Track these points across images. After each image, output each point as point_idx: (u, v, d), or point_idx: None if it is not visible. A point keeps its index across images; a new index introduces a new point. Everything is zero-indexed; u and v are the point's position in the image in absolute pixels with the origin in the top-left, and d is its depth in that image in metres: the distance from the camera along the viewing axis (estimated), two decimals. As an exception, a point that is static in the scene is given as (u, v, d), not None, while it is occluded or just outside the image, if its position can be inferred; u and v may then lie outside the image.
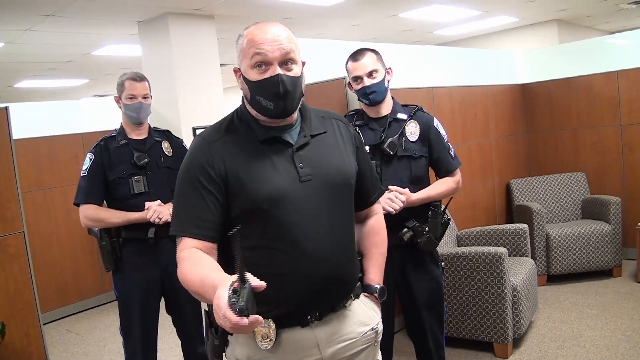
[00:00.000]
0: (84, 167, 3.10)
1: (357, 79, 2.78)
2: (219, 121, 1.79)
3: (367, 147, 2.74)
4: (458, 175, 2.92)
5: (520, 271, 3.98)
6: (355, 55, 2.80)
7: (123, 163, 3.10)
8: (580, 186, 5.63)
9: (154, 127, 3.33)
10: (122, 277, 3.14)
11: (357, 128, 2.82)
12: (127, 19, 6.32)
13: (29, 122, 5.67)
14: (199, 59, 6.25)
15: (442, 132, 2.89)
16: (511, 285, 3.73)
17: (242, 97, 1.78)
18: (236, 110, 1.80)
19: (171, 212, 1.72)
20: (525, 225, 4.38)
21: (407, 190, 2.70)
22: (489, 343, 3.80)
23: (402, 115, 2.84)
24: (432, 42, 10.23)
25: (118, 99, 3.17)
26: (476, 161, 5.37)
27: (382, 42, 5.18)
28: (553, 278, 5.12)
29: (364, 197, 1.96)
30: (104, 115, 5.99)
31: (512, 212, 5.65)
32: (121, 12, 6.00)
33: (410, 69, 4.72)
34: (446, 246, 4.34)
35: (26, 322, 2.79)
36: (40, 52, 7.70)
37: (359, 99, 2.83)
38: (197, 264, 1.56)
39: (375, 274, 1.95)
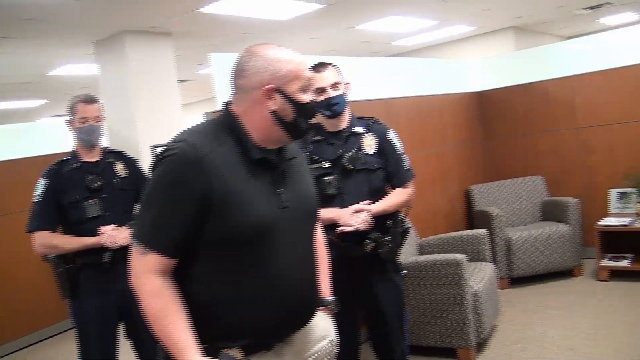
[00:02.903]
0: (37, 193, 3.04)
1: (321, 90, 2.76)
2: (205, 127, 1.70)
3: (326, 163, 2.78)
4: (411, 187, 2.95)
5: (480, 276, 4.02)
6: (318, 67, 2.80)
7: (76, 187, 3.05)
8: (539, 189, 5.72)
9: (107, 148, 3.30)
10: (79, 304, 3.08)
11: (315, 143, 2.83)
12: (83, 39, 6.26)
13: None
14: (156, 77, 6.21)
15: (397, 144, 2.92)
16: (472, 291, 3.77)
17: (229, 109, 1.73)
18: (222, 122, 1.72)
19: (132, 231, 1.65)
20: (484, 231, 4.43)
21: (366, 205, 2.72)
22: (453, 349, 3.82)
23: (359, 129, 2.86)
24: (390, 53, 10.34)
25: (70, 122, 3.13)
26: (435, 169, 5.43)
27: (341, 55, 5.23)
28: (516, 281, 5.18)
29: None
30: (64, 136, 5.86)
31: (473, 217, 5.71)
32: (76, 32, 5.95)
33: (366, 81, 4.76)
34: (408, 255, 4.36)
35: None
36: (-4, 74, 7.60)
37: (319, 111, 2.79)
38: (169, 315, 1.56)
39: (326, 287, 1.99)
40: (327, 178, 2.75)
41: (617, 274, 5.03)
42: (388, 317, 2.85)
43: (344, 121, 2.87)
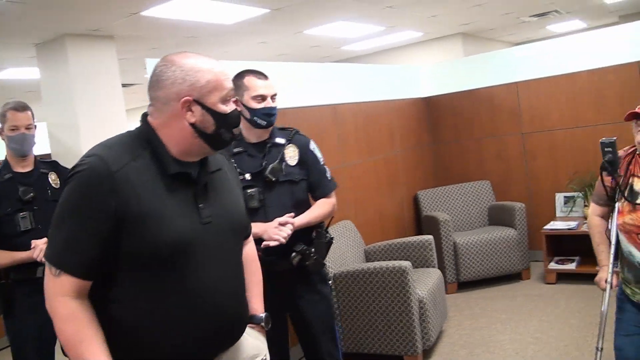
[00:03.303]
0: None
1: (263, 97, 2.69)
2: (118, 141, 1.61)
3: (247, 175, 2.72)
4: (333, 198, 2.91)
5: (426, 282, 4.00)
6: (261, 74, 2.74)
7: (8, 198, 2.94)
8: (486, 194, 5.76)
9: (40, 158, 3.18)
10: (13, 320, 2.97)
11: (236, 155, 2.74)
12: (24, 42, 6.05)
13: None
14: (99, 81, 6.03)
15: (319, 154, 2.89)
16: (417, 297, 3.74)
17: (146, 120, 1.65)
18: (138, 134, 1.64)
19: (44, 252, 1.55)
20: (430, 237, 4.42)
21: (291, 217, 2.67)
22: (399, 357, 3.79)
23: (280, 140, 2.81)
24: (340, 58, 10.32)
25: (0, 131, 3.01)
26: (383, 175, 5.41)
27: (291, 59, 5.14)
28: (463, 285, 5.20)
29: (245, 232, 1.94)
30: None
31: (421, 222, 5.70)
32: (16, 35, 5.74)
33: (313, 87, 4.72)
34: (353, 262, 4.32)
35: None
36: None
37: (250, 119, 2.69)
38: (85, 340, 1.48)
39: (258, 303, 1.93)
40: (250, 191, 2.68)
41: (564, 277, 5.09)
42: (317, 328, 2.81)
43: (268, 132, 2.80)
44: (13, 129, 2.97)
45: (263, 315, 1.90)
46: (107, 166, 1.50)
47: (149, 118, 1.65)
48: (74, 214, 1.50)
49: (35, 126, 3.08)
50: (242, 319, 1.76)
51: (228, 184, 1.78)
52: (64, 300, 1.49)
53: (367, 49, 9.86)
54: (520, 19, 9.08)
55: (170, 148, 1.61)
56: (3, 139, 3.03)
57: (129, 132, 1.66)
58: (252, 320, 1.87)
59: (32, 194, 2.97)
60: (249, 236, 1.99)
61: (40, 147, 5.76)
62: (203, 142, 1.62)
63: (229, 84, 1.64)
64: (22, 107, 3.01)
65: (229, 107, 1.64)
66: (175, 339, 1.56)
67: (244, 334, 1.79)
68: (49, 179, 3.10)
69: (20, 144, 2.99)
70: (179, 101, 1.57)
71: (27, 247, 2.84)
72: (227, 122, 1.63)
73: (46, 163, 3.19)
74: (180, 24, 6.13)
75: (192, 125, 1.59)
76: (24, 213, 2.94)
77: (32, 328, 2.91)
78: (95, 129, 5.91)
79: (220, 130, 1.62)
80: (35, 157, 3.15)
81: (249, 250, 1.98)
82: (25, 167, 3.06)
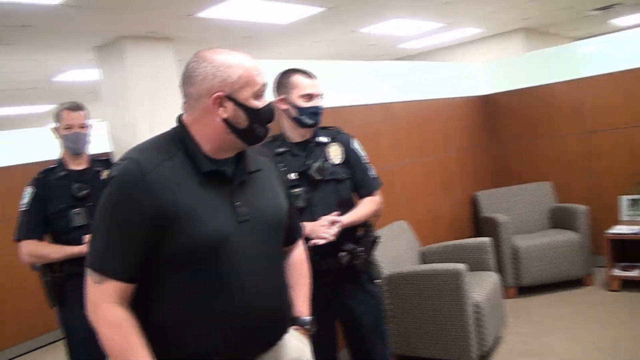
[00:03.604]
0: (24, 202, 3.05)
1: (310, 96, 2.68)
2: (153, 143, 1.62)
3: (292, 175, 2.70)
4: (379, 196, 2.87)
5: (483, 286, 3.88)
6: (308, 73, 2.73)
7: (63, 195, 3.04)
8: (547, 195, 5.56)
9: (94, 157, 3.26)
10: (67, 313, 3.05)
11: (279, 155, 2.73)
12: (83, 45, 6.21)
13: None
14: (157, 81, 6.13)
15: (361, 153, 2.86)
16: (473, 302, 3.63)
17: (181, 120, 1.65)
18: (173, 134, 1.64)
19: (85, 259, 1.56)
20: (487, 239, 4.28)
21: (337, 216, 2.63)
22: (454, 362, 3.69)
23: (323, 139, 2.79)
24: (397, 56, 10.21)
25: (56, 130, 3.12)
26: (436, 175, 5.29)
27: (346, 58, 5.10)
28: (523, 290, 5.02)
29: (292, 234, 1.92)
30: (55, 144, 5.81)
31: (479, 224, 5.56)
32: (75, 38, 5.90)
33: (364, 85, 4.65)
34: (409, 263, 4.24)
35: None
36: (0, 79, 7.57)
37: (297, 117, 2.69)
38: (132, 350, 1.48)
39: (303, 306, 1.90)
40: (295, 190, 2.66)
41: (628, 284, 4.84)
42: (366, 328, 2.77)
43: (310, 131, 2.78)
44: (68, 128, 3.06)
45: (308, 318, 1.87)
46: (140, 168, 1.51)
47: (183, 116, 1.65)
48: (112, 219, 1.52)
49: (90, 125, 3.16)
50: (282, 319, 1.73)
51: (269, 184, 1.76)
52: (110, 307, 1.50)
53: (425, 47, 9.71)
54: (583, 13, 8.78)
55: (203, 145, 1.61)
56: (58, 138, 3.12)
57: (163, 133, 1.66)
58: (297, 322, 1.85)
59: (85, 191, 3.05)
60: (298, 239, 1.97)
61: (101, 146, 5.93)
62: (236, 138, 1.61)
63: (261, 79, 1.63)
64: (76, 107, 3.10)
65: (261, 102, 1.62)
66: (215, 338, 1.56)
67: (288, 335, 1.77)
68: (103, 177, 3.16)
69: (75, 143, 3.08)
70: (211, 97, 1.57)
71: (79, 242, 2.91)
72: (259, 117, 1.62)
73: (100, 161, 3.27)
74: (235, 24, 6.18)
75: (225, 120, 1.59)
76: (78, 209, 3.02)
77: (83, 321, 2.95)
78: (153, 128, 5.97)
79: (254, 125, 1.61)
80: (90, 155, 3.22)
81: (298, 253, 1.97)
82: (80, 165, 3.14)
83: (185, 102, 1.63)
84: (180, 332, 1.55)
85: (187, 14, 5.48)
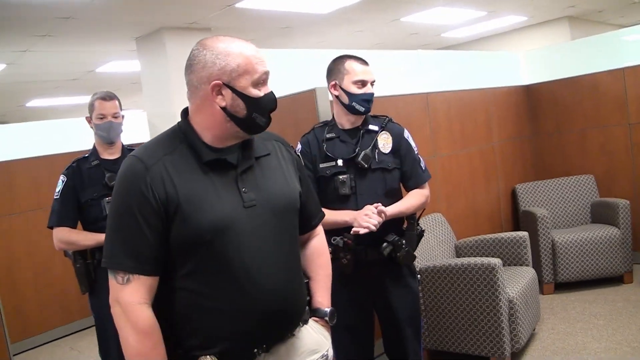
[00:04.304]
0: (57, 190, 3.10)
1: (363, 83, 2.66)
2: (156, 139, 1.67)
3: (340, 161, 2.67)
4: (427, 189, 2.82)
5: (518, 281, 3.82)
6: (362, 59, 2.71)
7: (95, 184, 3.08)
8: (589, 189, 5.42)
9: (128, 146, 3.29)
10: (98, 300, 3.09)
11: (328, 141, 2.73)
12: (124, 36, 6.31)
13: (30, 141, 5.68)
14: (196, 72, 6.18)
15: (413, 143, 2.81)
16: (507, 297, 3.57)
17: (184, 113, 1.68)
18: (175, 129, 1.67)
19: (104, 262, 1.58)
20: (524, 233, 4.20)
21: (382, 206, 2.59)
22: (486, 358, 3.64)
23: (373, 127, 2.75)
24: (440, 45, 10.08)
25: (89, 119, 3.16)
26: (478, 167, 5.20)
27: (387, 48, 5.04)
28: (560, 286, 4.92)
29: (307, 221, 1.89)
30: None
31: (518, 218, 5.46)
32: (116, 29, 5.99)
33: (403, 75, 4.60)
34: (443, 257, 4.20)
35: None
36: (43, 71, 7.75)
37: (349, 104, 2.67)
38: (154, 358, 1.52)
39: (323, 297, 1.87)
40: (342, 177, 2.65)
41: (670, 282, 4.70)
42: (403, 323, 2.74)
43: (362, 118, 2.74)
44: (101, 118, 3.10)
45: (328, 309, 1.85)
46: (142, 163, 1.55)
47: (188, 105, 1.66)
48: (124, 215, 1.54)
49: (123, 115, 3.20)
50: (295, 306, 1.71)
51: (278, 168, 1.75)
52: (140, 310, 1.52)
53: (468, 36, 9.57)
54: (630, 0, 8.50)
55: (204, 135, 1.62)
56: (91, 128, 3.17)
57: (168, 129, 1.69)
58: (316, 313, 1.84)
59: None
60: (316, 227, 1.95)
61: (141, 135, 6.03)
62: (235, 126, 1.61)
63: (262, 68, 1.61)
64: (109, 97, 3.15)
65: (262, 91, 1.61)
66: (222, 324, 1.57)
67: (307, 327, 1.77)
68: None
69: (107, 132, 3.12)
70: (209, 85, 1.56)
71: None
72: (259, 106, 1.61)
73: (133, 151, 3.28)
74: (274, 14, 6.18)
75: (223, 109, 1.58)
76: (109, 198, 3.04)
77: None
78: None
79: (253, 114, 1.60)
80: (123, 145, 3.26)
81: (317, 242, 1.95)
82: (113, 154, 3.18)
83: (187, 91, 1.64)
84: (192, 319, 1.57)
85: (227, 4, 5.50)
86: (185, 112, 1.68)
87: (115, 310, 1.54)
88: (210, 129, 1.62)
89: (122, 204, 1.55)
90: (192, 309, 1.57)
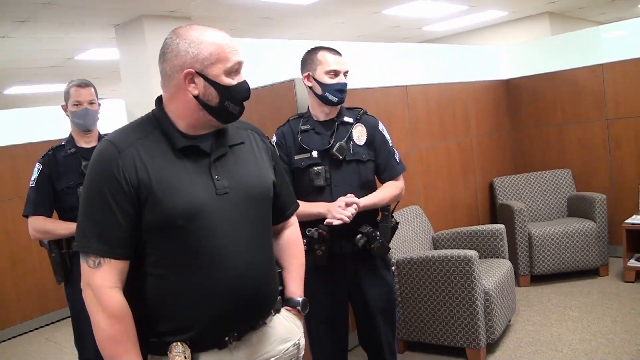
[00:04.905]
0: (32, 178, 3.07)
1: (336, 73, 2.65)
2: (130, 124, 1.66)
3: (315, 152, 2.67)
4: (401, 181, 2.83)
5: (494, 273, 3.85)
6: (335, 50, 2.70)
7: (71, 172, 3.05)
8: (566, 183, 5.48)
9: (104, 135, 3.25)
10: (73, 289, 3.04)
11: (303, 132, 2.72)
12: (104, 23, 6.24)
13: (8, 129, 5.61)
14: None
15: (387, 136, 2.81)
16: (482, 289, 3.60)
17: (158, 101, 1.67)
18: (149, 115, 1.67)
19: (75, 245, 1.57)
20: (501, 226, 4.24)
21: (354, 197, 2.59)
22: (461, 349, 3.67)
23: (348, 119, 2.75)
24: (420, 39, 10.10)
25: (65, 107, 3.13)
26: (456, 160, 5.23)
27: (369, 41, 5.03)
28: (537, 278, 4.98)
29: (281, 211, 1.90)
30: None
31: (496, 211, 5.50)
32: (96, 16, 5.92)
33: (382, 67, 4.60)
34: (420, 249, 4.22)
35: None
36: (22, 57, 7.65)
37: (322, 94, 2.66)
38: (126, 342, 1.52)
39: (296, 287, 1.88)
40: (316, 168, 2.64)
41: (644, 276, 4.76)
42: (377, 314, 2.75)
43: (336, 110, 2.74)
44: (76, 105, 3.07)
45: (300, 299, 1.86)
46: (114, 147, 1.55)
47: (163, 93, 1.66)
48: (95, 198, 1.53)
49: (99, 103, 3.16)
50: (267, 294, 1.72)
51: (252, 157, 1.75)
52: (111, 294, 1.51)
53: (449, 30, 9.60)
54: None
55: (178, 123, 1.62)
56: (68, 115, 3.13)
57: (142, 116, 1.68)
58: (289, 303, 1.85)
59: None
60: (289, 217, 1.95)
61: (120, 124, 5.98)
62: (208, 115, 1.61)
63: (235, 57, 1.61)
64: (85, 84, 3.11)
65: (235, 80, 1.61)
66: (192, 311, 1.57)
67: (279, 316, 1.78)
68: None
69: (83, 119, 3.08)
70: (182, 73, 1.56)
71: None
72: (232, 94, 1.61)
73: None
74: (256, 4, 6.15)
75: (196, 97, 1.58)
76: None
77: None
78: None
79: (226, 103, 1.60)
80: (100, 133, 3.23)
81: (291, 232, 1.95)
82: (89, 143, 3.14)
83: (161, 79, 1.64)
84: (163, 305, 1.57)
85: (207, -7, 5.47)
86: (159, 100, 1.67)
87: (86, 294, 1.54)
88: (184, 117, 1.62)
89: (93, 188, 1.54)
90: (162, 295, 1.57)
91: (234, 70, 1.61)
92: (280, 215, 1.89)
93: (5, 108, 7.01)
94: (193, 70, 1.56)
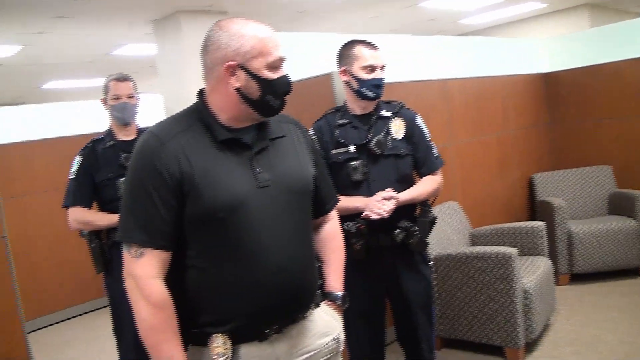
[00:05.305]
0: (73, 170, 3.11)
1: (372, 68, 2.62)
2: (172, 117, 1.67)
3: (352, 147, 2.65)
4: (440, 175, 2.79)
5: (534, 272, 3.78)
6: (371, 44, 2.66)
7: (110, 165, 3.08)
8: (607, 180, 5.35)
9: (143, 128, 3.28)
10: (112, 279, 3.10)
11: (340, 127, 2.69)
12: (141, 18, 6.30)
13: (45, 122, 5.71)
14: (212, 56, 6.16)
15: (426, 130, 2.77)
16: (522, 287, 3.54)
17: (200, 93, 1.68)
18: (192, 108, 1.67)
19: (118, 235, 1.60)
20: (541, 223, 4.16)
21: (393, 192, 2.56)
22: (499, 347, 3.61)
23: (386, 113, 2.71)
24: (457, 32, 9.99)
25: (104, 101, 3.17)
26: (493, 155, 5.15)
27: (403, 34, 4.95)
28: (577, 277, 4.87)
29: (321, 205, 1.88)
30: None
31: (535, 207, 5.40)
32: (133, 11, 5.98)
33: (420, 61, 4.55)
34: (458, 245, 4.16)
35: (8, 329, 2.71)
36: (59, 53, 7.77)
37: (358, 90, 2.64)
38: (168, 332, 1.53)
39: (336, 281, 1.87)
40: (354, 163, 2.62)
41: (686, 276, 4.63)
42: (416, 310, 2.72)
43: (374, 104, 2.70)
44: (115, 98, 3.10)
45: (340, 293, 1.85)
46: (157, 139, 1.56)
47: (205, 85, 1.66)
48: (138, 190, 1.55)
49: (138, 97, 3.20)
50: (306, 288, 1.71)
51: (293, 150, 1.74)
52: (153, 284, 1.53)
53: (485, 22, 9.48)
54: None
55: (219, 115, 1.63)
56: (107, 109, 3.17)
57: (184, 109, 1.69)
58: (329, 297, 1.84)
59: None
60: (330, 211, 1.94)
61: (157, 119, 6.03)
62: (249, 108, 1.61)
63: (277, 52, 1.60)
64: (124, 78, 3.15)
65: (276, 74, 1.60)
66: (233, 303, 1.58)
67: (318, 310, 1.77)
68: None
69: (122, 113, 3.11)
70: (223, 66, 1.56)
71: None
72: (273, 88, 1.60)
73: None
74: (290, -1, 6.13)
75: (237, 90, 1.58)
76: (125, 179, 3.05)
77: None
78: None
79: (267, 96, 1.60)
80: (138, 126, 3.25)
81: (331, 226, 1.94)
82: (128, 136, 3.18)
83: (203, 71, 1.64)
84: (204, 296, 1.58)
85: (242, -13, 5.47)
86: (201, 93, 1.67)
87: (128, 284, 1.55)
88: (225, 109, 1.62)
89: (136, 179, 1.56)
90: (203, 287, 1.58)
91: (276, 65, 1.60)
92: (321, 209, 1.88)
93: (43, 102, 7.13)
94: (234, 63, 1.56)
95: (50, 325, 5.63)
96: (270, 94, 1.60)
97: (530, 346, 3.71)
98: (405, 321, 2.77)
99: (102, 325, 5.32)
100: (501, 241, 4.25)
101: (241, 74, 1.57)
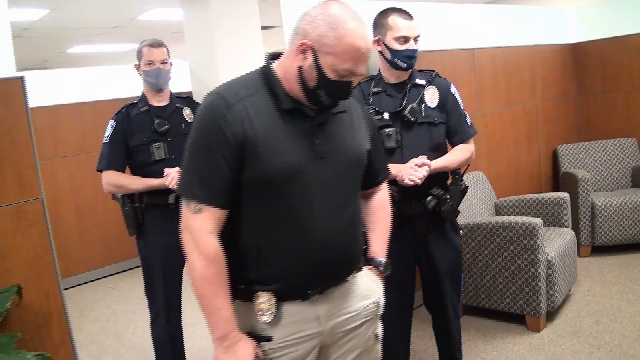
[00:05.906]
0: (106, 134, 3.13)
1: (406, 39, 2.61)
2: (239, 80, 1.70)
3: (386, 114, 2.66)
4: (472, 144, 2.81)
5: (557, 242, 3.82)
6: (407, 13, 2.65)
7: (144, 130, 3.11)
8: (631, 153, 5.33)
9: (176, 94, 3.32)
10: (144, 241, 3.17)
11: (374, 95, 2.72)
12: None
13: (75, 87, 5.78)
14: (239, 22, 6.12)
15: (459, 99, 2.78)
16: (545, 257, 3.58)
17: (267, 58, 1.72)
18: (259, 72, 1.70)
19: (179, 190, 1.65)
20: (566, 195, 4.18)
21: (426, 159, 2.59)
22: (521, 315, 3.67)
23: (420, 81, 2.72)
24: (485, 0, 9.83)
25: (138, 67, 3.19)
26: (521, 126, 5.14)
27: (432, 1, 4.89)
28: (598, 249, 4.90)
29: (373, 177, 1.94)
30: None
31: (559, 179, 5.41)
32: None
33: (449, 29, 4.52)
34: (482, 215, 4.20)
35: (45, 284, 2.81)
36: (85, 17, 7.75)
37: (392, 60, 2.63)
38: (220, 285, 1.59)
39: (380, 247, 1.93)
40: (387, 130, 2.64)
41: None
42: (444, 277, 2.77)
43: (408, 73, 2.72)
44: (149, 64, 3.11)
45: (383, 260, 1.90)
46: (224, 101, 1.59)
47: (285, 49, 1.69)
48: (202, 148, 1.60)
49: (171, 63, 3.21)
50: (352, 254, 1.78)
51: (351, 124, 1.78)
52: (209, 239, 1.59)
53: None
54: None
55: (284, 84, 1.65)
56: (140, 75, 3.18)
57: (251, 71, 1.71)
58: (371, 263, 1.90)
59: (166, 126, 3.12)
60: (381, 182, 1.99)
61: (183, 84, 6.06)
62: (301, 91, 1.62)
63: (354, 66, 1.57)
64: (157, 44, 3.15)
65: (335, 76, 1.59)
66: (281, 264, 1.65)
67: (361, 274, 1.83)
68: (184, 114, 3.24)
69: (156, 78, 3.13)
70: (301, 40, 1.58)
71: (160, 175, 3.00)
72: (329, 87, 1.60)
73: (181, 99, 3.33)
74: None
75: (299, 68, 1.60)
76: (159, 144, 3.09)
77: (160, 249, 3.11)
78: (234, 68, 6.03)
79: (320, 90, 1.60)
80: (171, 92, 3.29)
81: (380, 196, 1.99)
82: (161, 101, 3.21)
83: (290, 35, 1.66)
84: (254, 255, 1.66)
85: (272, -48, 5.43)
86: (269, 58, 1.71)
87: (185, 236, 1.61)
88: (287, 79, 1.64)
89: (200, 138, 1.60)
90: (254, 246, 1.65)
91: (343, 75, 1.59)
92: (372, 182, 1.94)
93: (67, 67, 7.18)
94: (311, 44, 1.57)
95: (78, 285, 5.78)
96: (325, 90, 1.60)
97: (551, 315, 3.77)
98: (434, 288, 2.83)
99: (126, 287, 5.49)
100: (525, 212, 4.28)
101: (309, 56, 1.58)
